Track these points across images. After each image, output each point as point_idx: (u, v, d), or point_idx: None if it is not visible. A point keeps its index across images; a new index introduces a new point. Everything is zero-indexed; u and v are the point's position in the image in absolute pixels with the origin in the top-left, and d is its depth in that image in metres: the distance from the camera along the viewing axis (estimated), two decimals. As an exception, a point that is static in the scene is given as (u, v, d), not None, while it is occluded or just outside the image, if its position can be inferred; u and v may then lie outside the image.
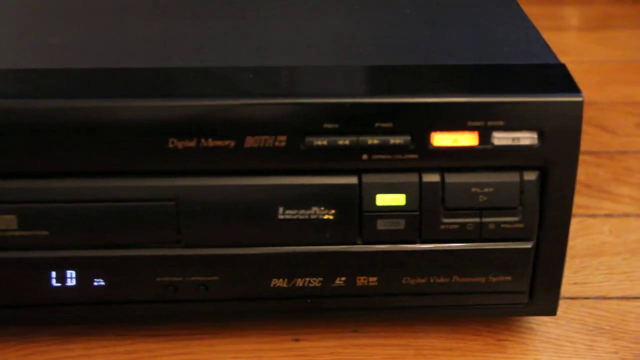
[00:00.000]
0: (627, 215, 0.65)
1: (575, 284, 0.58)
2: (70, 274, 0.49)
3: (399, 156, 0.46)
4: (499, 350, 0.52)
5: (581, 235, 0.63)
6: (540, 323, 0.54)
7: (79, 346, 0.52)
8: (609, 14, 1.04)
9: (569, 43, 0.98)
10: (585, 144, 0.74)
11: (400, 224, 0.48)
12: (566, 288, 0.56)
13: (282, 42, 0.53)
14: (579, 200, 0.66)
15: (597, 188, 0.69)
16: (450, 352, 0.52)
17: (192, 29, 0.54)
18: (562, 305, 0.55)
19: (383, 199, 0.47)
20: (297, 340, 0.53)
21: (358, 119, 0.45)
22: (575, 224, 0.63)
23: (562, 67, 0.48)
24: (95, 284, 0.49)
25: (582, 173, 0.70)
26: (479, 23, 0.55)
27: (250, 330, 0.53)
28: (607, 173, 0.71)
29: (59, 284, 0.49)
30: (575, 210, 0.64)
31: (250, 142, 0.46)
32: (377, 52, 0.51)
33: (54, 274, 0.49)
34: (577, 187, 0.67)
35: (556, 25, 1.02)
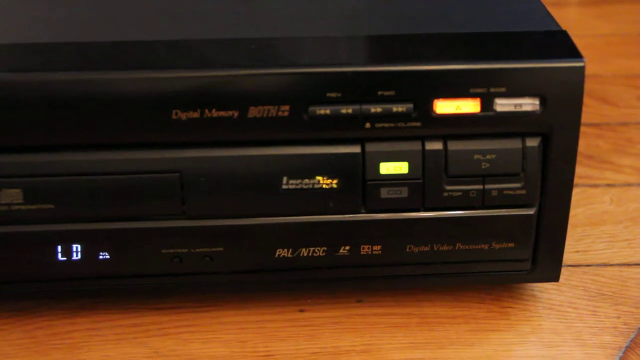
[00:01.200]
0: (628, 184, 0.65)
1: (577, 252, 0.58)
2: (76, 247, 0.49)
3: (401, 124, 0.46)
4: (502, 317, 0.52)
5: (583, 205, 0.63)
6: (543, 290, 0.54)
7: (85, 320, 0.52)
8: (609, -11, 1.04)
9: (570, 18, 0.98)
10: (587, 116, 0.75)
11: (404, 192, 0.48)
12: (568, 256, 0.57)
13: (284, 13, 0.53)
14: (581, 170, 0.67)
15: (599, 159, 0.69)
16: (454, 319, 0.52)
17: (194, 2, 0.54)
18: (565, 272, 0.55)
19: (386, 168, 0.47)
20: (302, 310, 0.53)
21: (360, 88, 0.45)
22: (577, 194, 0.64)
23: (563, 34, 0.48)
24: (101, 257, 0.49)
25: (584, 144, 0.70)
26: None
27: (255, 301, 0.53)
28: (609, 144, 0.71)
29: (64, 258, 0.49)
30: (576, 180, 0.65)
31: (253, 112, 0.46)
32: (379, 22, 0.51)
33: (59, 247, 0.49)
34: (579, 158, 0.68)
35: (557, 0, 1.02)
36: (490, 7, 0.52)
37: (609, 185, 0.65)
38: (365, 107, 0.46)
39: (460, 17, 0.51)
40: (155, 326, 0.52)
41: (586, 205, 0.63)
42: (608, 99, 0.78)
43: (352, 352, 0.50)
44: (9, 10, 0.54)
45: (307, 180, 0.48)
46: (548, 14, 0.51)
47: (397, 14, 0.52)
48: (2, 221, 0.48)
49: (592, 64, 0.84)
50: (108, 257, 0.49)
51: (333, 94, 0.45)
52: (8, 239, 0.48)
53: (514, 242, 0.50)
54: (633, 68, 0.84)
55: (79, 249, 0.49)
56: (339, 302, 0.53)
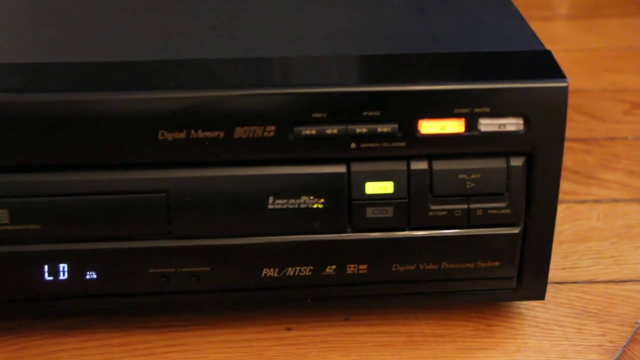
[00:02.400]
0: (614, 200, 0.66)
1: (563, 268, 0.58)
2: (63, 267, 0.49)
3: (387, 144, 0.46)
4: (488, 336, 0.53)
5: (569, 221, 0.63)
6: (529, 308, 0.54)
7: (72, 339, 0.52)
8: (599, 3, 1.05)
9: (559, 32, 0.99)
10: (574, 131, 0.75)
11: (389, 212, 0.48)
12: (554, 273, 0.57)
13: (270, 33, 0.53)
14: (567, 186, 0.67)
15: (585, 174, 0.69)
16: (440, 338, 0.52)
17: (181, 22, 0.54)
18: (551, 289, 0.55)
19: (372, 187, 0.47)
20: (289, 329, 0.53)
21: (346, 108, 0.46)
22: (563, 210, 0.64)
23: (547, 54, 0.48)
24: (88, 277, 0.49)
25: (571, 160, 0.70)
26: (465, 12, 0.55)
27: (242, 320, 0.53)
28: (595, 159, 0.71)
29: (51, 278, 0.49)
30: (563, 196, 0.65)
31: (239, 132, 0.46)
32: (364, 42, 0.51)
33: (46, 267, 0.49)
34: (565, 173, 0.68)
35: (546, 14, 1.02)
36: (474, 27, 0.53)
37: (595, 201, 0.66)
38: (350, 127, 0.46)
39: (445, 36, 0.52)
40: (143, 345, 0.52)
41: (572, 222, 0.63)
42: (595, 113, 0.78)
43: (339, 371, 0.50)
44: (-4, 30, 0.54)
45: (293, 200, 0.48)
46: (532, 33, 0.52)
47: (381, 34, 0.53)
48: (-11, 241, 0.48)
49: (580, 78, 0.85)
50: (95, 276, 0.49)
51: (318, 115, 0.46)
52: (-5, 259, 0.48)
53: (500, 260, 0.50)
54: (621, 83, 0.85)
55: (66, 269, 0.49)
56: (326, 321, 0.53)
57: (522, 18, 0.54)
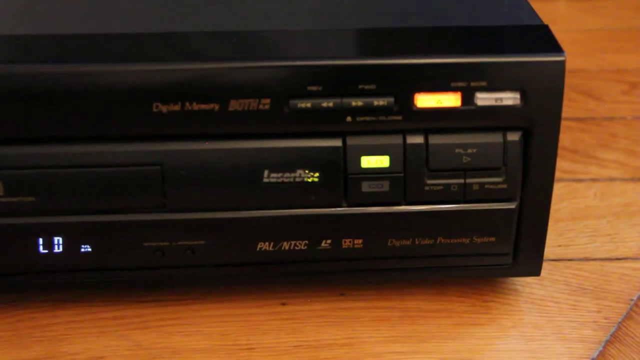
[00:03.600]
0: (612, 179, 0.66)
1: (559, 246, 0.58)
2: (57, 240, 0.49)
3: (382, 118, 0.46)
4: (484, 312, 0.53)
5: (567, 199, 0.63)
6: (524, 284, 0.54)
7: (67, 312, 0.52)
8: (598, -16, 1.04)
9: (558, 12, 0.98)
10: (572, 110, 0.75)
11: (385, 186, 0.48)
12: (551, 250, 0.57)
13: (266, 6, 0.53)
14: (565, 165, 0.67)
15: (583, 153, 0.69)
16: (436, 313, 0.52)
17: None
18: (547, 266, 0.55)
19: (367, 161, 0.47)
20: (284, 304, 0.53)
21: (342, 81, 0.45)
22: (561, 189, 0.64)
23: (544, 28, 0.48)
24: (82, 250, 0.49)
25: (569, 139, 0.70)
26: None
27: (237, 295, 0.53)
28: (593, 139, 0.71)
29: (46, 251, 0.49)
30: (561, 175, 0.65)
31: (234, 105, 0.46)
32: (360, 16, 0.51)
33: (40, 240, 0.49)
34: (564, 152, 0.68)
35: (546, -6, 1.02)
36: (471, 1, 0.52)
37: (593, 180, 0.65)
38: (346, 100, 0.46)
39: (442, 10, 0.51)
40: (137, 319, 0.52)
41: (570, 200, 0.63)
42: (594, 93, 0.78)
43: (334, 345, 0.50)
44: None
45: (288, 174, 0.48)
46: (530, 8, 0.51)
47: (377, 7, 0.52)
48: (-17, 214, 0.48)
49: (579, 58, 0.85)
50: (90, 249, 0.49)
51: (314, 87, 0.45)
52: (-11, 232, 0.48)
53: (495, 236, 0.50)
54: (619, 63, 0.84)
55: (61, 242, 0.49)
56: (321, 296, 0.53)
57: (520, -7, 0.54)
